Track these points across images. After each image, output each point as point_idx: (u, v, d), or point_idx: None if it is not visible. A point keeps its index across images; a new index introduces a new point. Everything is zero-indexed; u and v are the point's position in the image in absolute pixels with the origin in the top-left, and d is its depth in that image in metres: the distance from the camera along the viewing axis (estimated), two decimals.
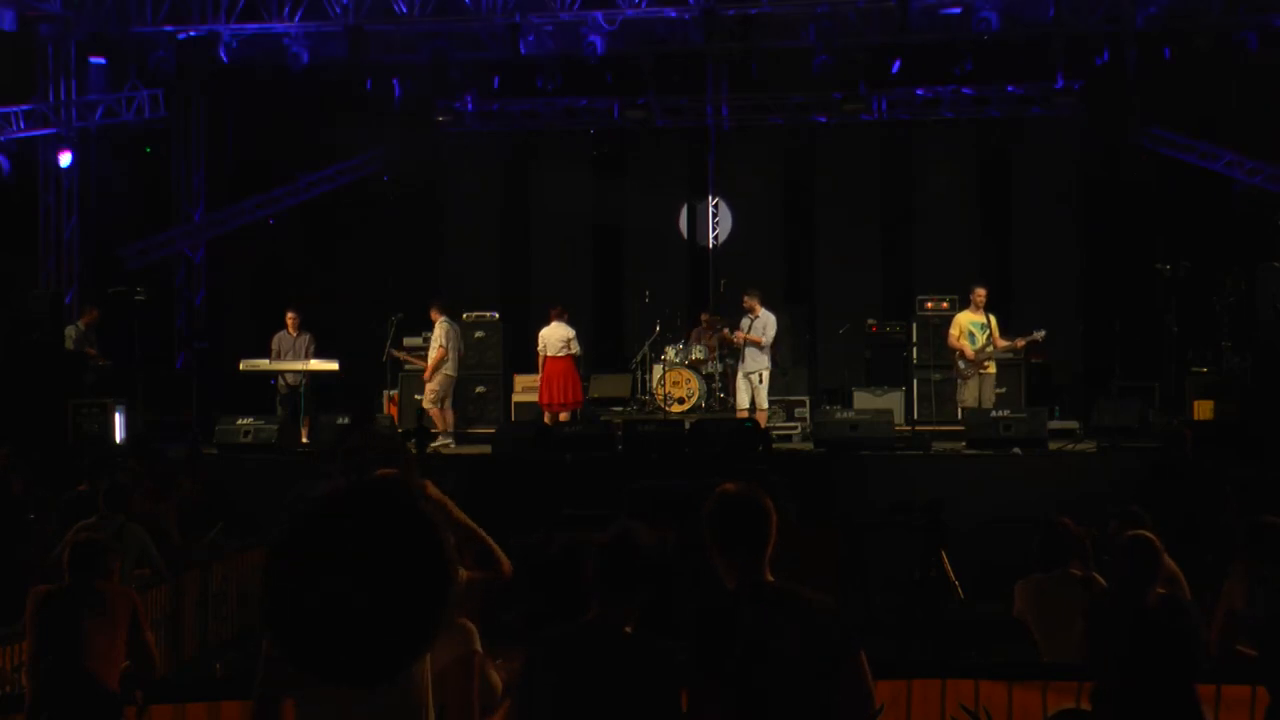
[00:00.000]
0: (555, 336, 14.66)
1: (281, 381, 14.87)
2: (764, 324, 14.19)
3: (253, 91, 18.32)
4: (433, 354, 14.30)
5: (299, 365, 14.57)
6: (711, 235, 18.72)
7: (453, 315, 14.68)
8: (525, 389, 15.58)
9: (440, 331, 14.33)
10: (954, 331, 13.67)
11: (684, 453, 11.95)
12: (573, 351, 14.65)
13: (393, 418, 14.36)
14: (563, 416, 14.55)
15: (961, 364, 13.67)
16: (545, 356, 14.68)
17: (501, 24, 15.68)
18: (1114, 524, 6.60)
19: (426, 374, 14.40)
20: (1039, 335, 13.49)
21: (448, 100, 17.92)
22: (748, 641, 3.45)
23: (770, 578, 3.61)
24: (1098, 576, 5.86)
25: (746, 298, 14.45)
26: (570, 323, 14.84)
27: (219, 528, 9.20)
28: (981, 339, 13.45)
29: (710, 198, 18.74)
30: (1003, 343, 13.46)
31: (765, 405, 14.16)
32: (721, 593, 3.61)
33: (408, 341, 15.44)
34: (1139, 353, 15.22)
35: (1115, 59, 16.10)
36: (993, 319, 13.50)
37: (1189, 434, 10.06)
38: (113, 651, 5.64)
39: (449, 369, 14.32)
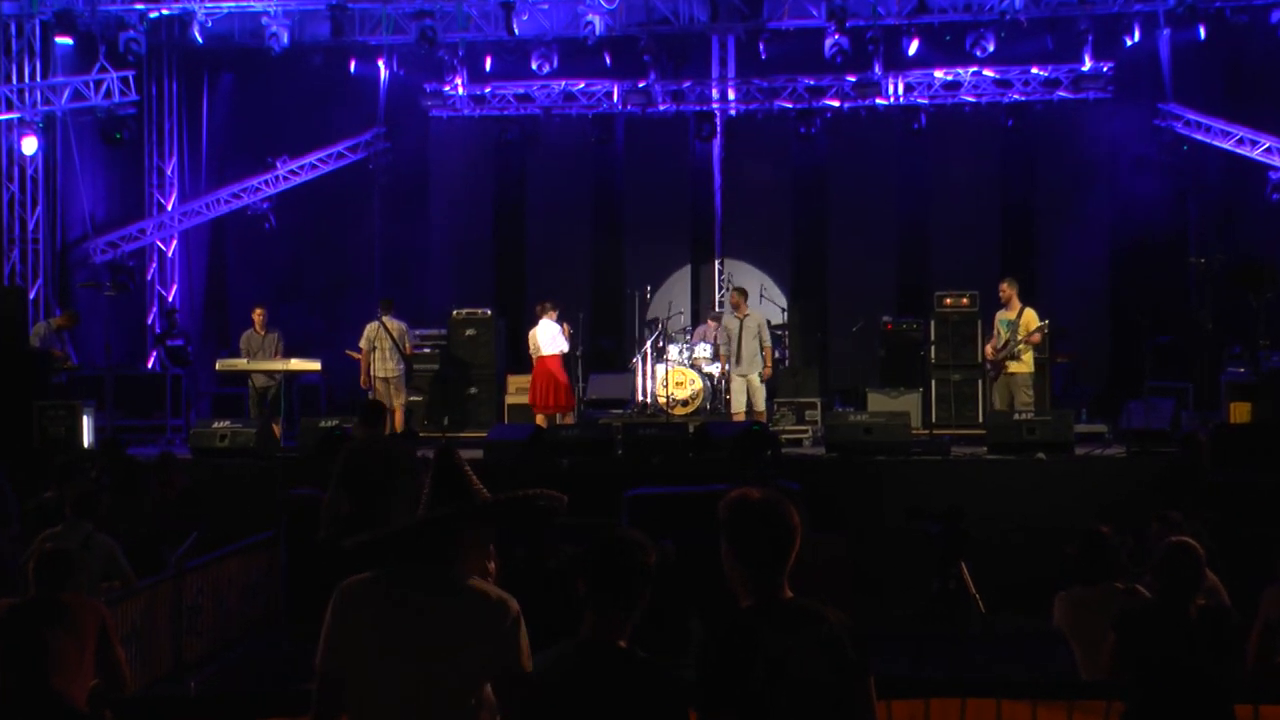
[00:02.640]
0: (544, 334, 14.65)
1: (254, 382, 14.84)
2: (757, 324, 14.16)
3: (229, 74, 18.36)
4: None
5: (279, 365, 14.54)
6: (717, 229, 18.70)
7: (390, 312, 14.62)
8: (519, 389, 15.55)
9: (365, 332, 14.46)
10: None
11: (687, 458, 11.92)
12: (561, 348, 14.61)
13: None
14: (569, 419, 14.52)
15: (987, 364, 13.64)
16: (538, 356, 14.67)
17: (494, 2, 15.69)
18: (1155, 526, 6.62)
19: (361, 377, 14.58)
20: (1043, 325, 13.29)
21: (437, 83, 17.92)
22: (768, 667, 3.38)
23: (789, 593, 3.52)
24: (1142, 590, 5.84)
25: (733, 295, 14.43)
26: (560, 319, 14.81)
27: (193, 538, 9.15)
28: (1005, 336, 13.32)
29: (716, 189, 18.72)
30: (1019, 336, 13.32)
31: (762, 407, 14.13)
32: (734, 610, 3.53)
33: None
34: (1171, 351, 15.18)
35: (1146, 39, 16.13)
36: (1027, 313, 13.14)
37: (1205, 441, 10.04)
38: (80, 668, 5.62)
39: (374, 369, 14.39)
